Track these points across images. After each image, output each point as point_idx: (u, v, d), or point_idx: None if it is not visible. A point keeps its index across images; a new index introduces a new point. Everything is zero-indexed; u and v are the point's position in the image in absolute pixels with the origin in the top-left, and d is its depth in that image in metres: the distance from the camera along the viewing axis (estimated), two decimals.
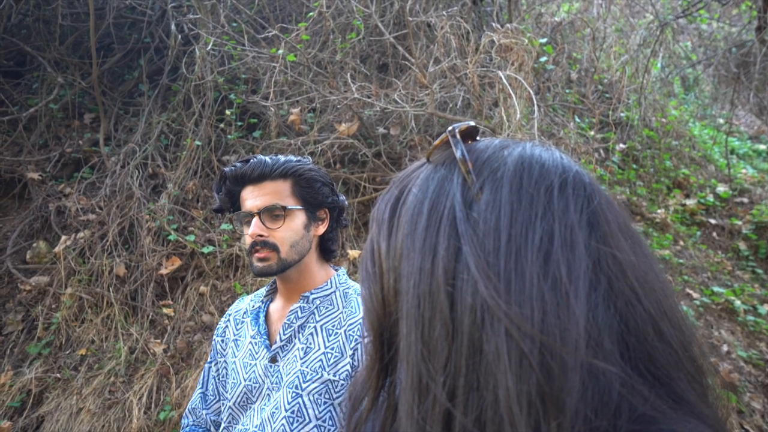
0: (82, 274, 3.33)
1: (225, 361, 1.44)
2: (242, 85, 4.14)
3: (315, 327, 1.30)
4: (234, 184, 1.33)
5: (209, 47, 3.79)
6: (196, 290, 3.27)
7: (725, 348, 3.28)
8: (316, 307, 1.32)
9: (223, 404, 1.42)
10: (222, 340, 1.46)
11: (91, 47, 4.09)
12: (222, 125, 3.91)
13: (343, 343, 1.26)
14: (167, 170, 3.84)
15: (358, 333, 1.26)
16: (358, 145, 3.61)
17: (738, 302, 3.59)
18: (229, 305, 3.17)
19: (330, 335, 1.28)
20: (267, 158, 1.32)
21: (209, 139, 3.86)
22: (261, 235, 1.28)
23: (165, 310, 3.21)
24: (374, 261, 0.56)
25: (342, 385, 1.23)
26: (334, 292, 1.34)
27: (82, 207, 3.65)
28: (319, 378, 1.23)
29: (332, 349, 1.26)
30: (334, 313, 1.31)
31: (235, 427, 1.36)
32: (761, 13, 4.63)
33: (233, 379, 1.38)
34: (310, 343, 1.28)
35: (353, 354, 1.24)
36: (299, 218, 1.31)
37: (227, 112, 3.83)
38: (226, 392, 1.39)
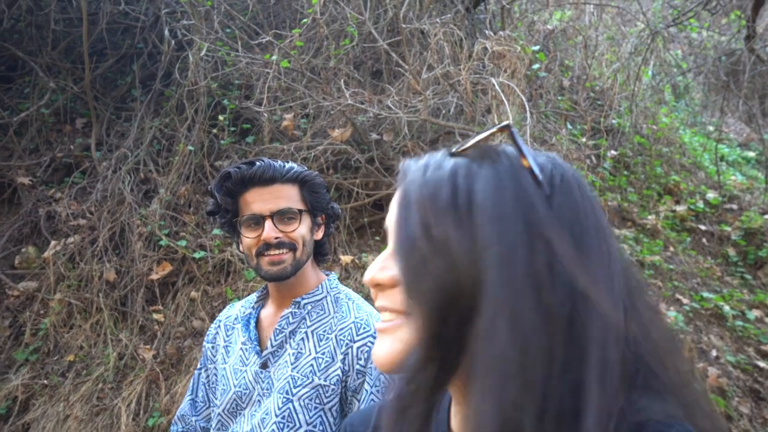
0: (72, 279, 3.31)
1: (215, 368, 1.43)
2: (235, 90, 4.15)
3: (306, 332, 1.29)
4: (237, 185, 1.29)
5: (203, 53, 3.79)
6: (187, 296, 3.25)
7: (714, 353, 3.30)
8: (308, 313, 1.32)
9: (212, 411, 1.42)
10: (212, 347, 1.46)
11: (83, 52, 4.08)
12: (215, 130, 3.91)
13: (334, 348, 1.26)
14: (159, 175, 3.83)
15: (349, 338, 1.25)
16: (351, 150, 3.62)
17: (727, 307, 3.61)
18: (220, 311, 3.15)
19: (321, 340, 1.28)
20: (274, 162, 1.30)
21: (202, 144, 3.85)
22: (277, 237, 1.26)
23: (155, 316, 3.20)
24: (434, 244, 0.53)
25: (333, 390, 1.23)
26: (325, 297, 1.34)
27: (72, 212, 3.63)
28: (309, 383, 1.23)
29: (323, 354, 1.26)
30: (325, 318, 1.31)
31: None
32: (750, 23, 4.70)
33: (223, 385, 1.37)
34: (301, 349, 1.28)
35: (344, 359, 1.24)
36: (306, 222, 1.31)
37: (220, 117, 3.83)
38: (216, 399, 1.39)
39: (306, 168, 1.34)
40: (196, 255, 3.35)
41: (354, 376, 1.23)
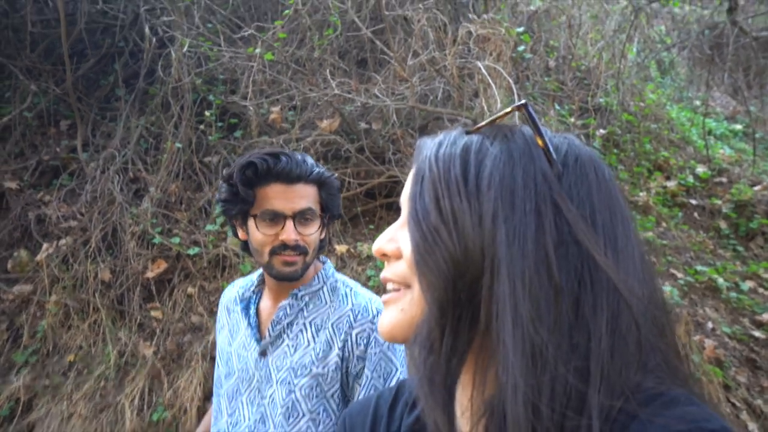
0: (66, 281, 3.29)
1: (221, 350, 1.44)
2: (221, 85, 4.11)
3: (304, 323, 1.30)
4: (259, 178, 1.24)
5: (185, 49, 3.76)
6: (184, 292, 3.25)
7: (710, 325, 3.34)
8: (305, 304, 1.32)
9: (214, 391, 1.44)
10: (221, 327, 1.47)
11: (63, 53, 4.03)
12: (202, 127, 3.88)
13: (331, 337, 1.27)
14: (148, 174, 3.81)
15: (348, 325, 1.26)
16: (341, 141, 3.61)
17: (721, 280, 3.65)
18: (218, 305, 3.15)
19: (318, 330, 1.28)
20: (297, 157, 1.27)
21: (190, 141, 3.83)
22: (296, 239, 1.24)
23: (153, 313, 3.19)
24: (444, 218, 0.55)
25: (332, 377, 1.24)
26: (322, 287, 1.34)
27: (62, 214, 3.60)
28: (308, 373, 1.25)
29: (320, 343, 1.27)
30: (322, 308, 1.31)
31: (220, 420, 1.38)
32: None
33: (228, 368, 1.39)
34: (300, 340, 1.29)
35: (342, 346, 1.25)
36: (318, 224, 1.30)
37: (207, 113, 3.80)
38: (222, 380, 1.41)
39: (324, 168, 1.32)
40: (191, 251, 3.34)
41: (354, 362, 1.24)
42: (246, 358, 1.34)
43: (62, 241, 3.44)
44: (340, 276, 1.40)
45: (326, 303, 1.32)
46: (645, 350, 0.52)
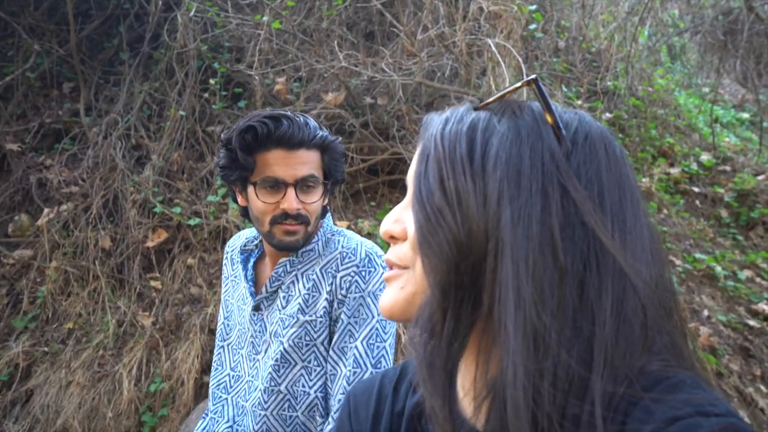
0: (67, 247, 3.29)
1: (226, 300, 1.45)
2: (226, 53, 4.05)
3: (296, 275, 1.29)
4: (259, 143, 1.18)
5: (192, 13, 3.68)
6: (184, 263, 3.25)
7: (705, 313, 3.36)
8: (301, 259, 1.31)
9: (216, 342, 1.44)
10: (225, 276, 1.47)
11: (68, 13, 3.95)
12: (206, 95, 3.83)
13: (319, 281, 1.25)
14: (151, 141, 3.77)
15: (335, 268, 1.24)
16: (345, 115, 3.57)
17: (719, 268, 3.67)
18: (217, 277, 3.16)
19: (309, 280, 1.27)
20: (299, 120, 1.20)
21: (193, 109, 3.78)
22: (298, 208, 1.20)
23: (152, 283, 3.20)
24: (448, 198, 0.54)
25: (321, 322, 1.23)
26: (318, 241, 1.31)
27: (64, 179, 3.58)
28: (296, 322, 1.24)
29: (309, 290, 1.26)
30: (313, 258, 1.29)
31: (221, 371, 1.40)
32: None
33: (230, 320, 1.40)
34: (291, 291, 1.28)
35: (330, 290, 1.23)
36: (321, 191, 1.25)
37: (211, 81, 3.74)
38: (228, 331, 1.41)
39: (327, 131, 1.27)
40: (192, 222, 3.33)
41: (336, 306, 1.22)
42: (244, 311, 1.35)
43: (63, 207, 3.43)
44: (337, 228, 1.36)
45: (318, 253, 1.29)
46: (651, 333, 0.51)
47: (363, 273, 1.23)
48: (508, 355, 0.48)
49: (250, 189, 1.22)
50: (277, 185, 1.20)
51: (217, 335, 1.45)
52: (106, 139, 3.74)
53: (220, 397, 1.37)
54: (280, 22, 3.53)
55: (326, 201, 1.31)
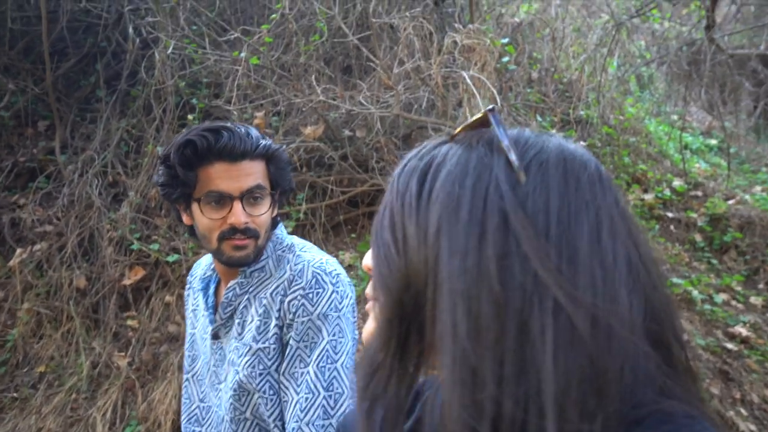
0: (40, 287, 3.21)
1: (188, 332, 1.42)
2: (204, 89, 4.07)
3: (248, 299, 1.25)
4: (200, 157, 1.13)
5: (169, 51, 3.71)
6: (162, 300, 3.19)
7: (685, 337, 3.39)
8: (254, 280, 1.26)
9: (184, 375, 1.42)
10: (187, 307, 1.44)
11: (44, 52, 3.95)
12: (184, 131, 3.83)
13: (270, 306, 1.21)
14: (128, 178, 3.74)
15: (282, 292, 1.20)
16: (324, 148, 3.59)
17: (696, 292, 3.72)
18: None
19: (261, 305, 1.23)
20: (239, 131, 1.17)
21: None
22: (246, 222, 1.16)
23: (129, 322, 3.13)
24: (395, 235, 0.54)
25: (274, 349, 1.19)
26: (268, 259, 1.26)
27: (38, 218, 3.52)
28: (249, 350, 1.20)
29: (260, 315, 1.22)
30: (265, 279, 1.25)
31: (190, 405, 1.37)
32: (709, 12, 4.81)
33: (195, 351, 1.38)
34: (245, 317, 1.24)
35: (278, 315, 1.19)
36: (269, 202, 1.21)
37: (189, 116, 3.75)
38: (188, 363, 1.40)
39: (270, 140, 1.24)
40: (170, 258, 3.29)
41: (285, 331, 1.19)
42: (205, 340, 1.32)
43: (37, 246, 3.36)
44: (291, 239, 1.31)
45: (269, 274, 1.24)
46: (615, 374, 0.47)
47: (310, 295, 1.18)
48: (445, 389, 0.48)
49: (194, 206, 1.17)
50: (222, 199, 1.15)
51: (184, 368, 1.42)
52: (82, 177, 3.70)
53: (193, 431, 1.34)
54: (258, 57, 3.57)
55: (275, 212, 1.27)
